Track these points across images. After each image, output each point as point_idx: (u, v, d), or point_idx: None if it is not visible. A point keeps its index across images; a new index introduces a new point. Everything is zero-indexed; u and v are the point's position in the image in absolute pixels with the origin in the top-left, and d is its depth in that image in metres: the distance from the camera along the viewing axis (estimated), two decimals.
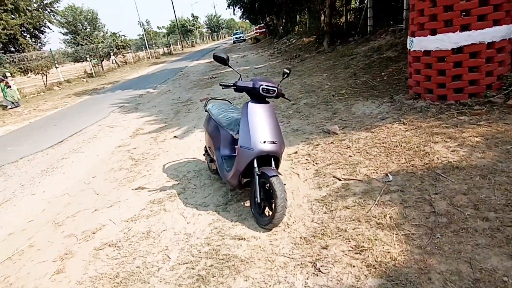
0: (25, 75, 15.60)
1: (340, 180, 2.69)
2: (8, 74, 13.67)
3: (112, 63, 23.61)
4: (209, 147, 3.16)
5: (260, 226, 2.33)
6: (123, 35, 25.34)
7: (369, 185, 2.51)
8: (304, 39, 14.84)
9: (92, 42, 22.41)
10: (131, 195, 3.40)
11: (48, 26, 17.64)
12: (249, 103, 2.43)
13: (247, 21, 39.27)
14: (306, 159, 3.30)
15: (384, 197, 2.31)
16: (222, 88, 2.47)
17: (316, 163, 3.16)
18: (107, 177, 4.00)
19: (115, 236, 2.66)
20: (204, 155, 3.52)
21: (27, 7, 15.73)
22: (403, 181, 2.43)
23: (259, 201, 2.29)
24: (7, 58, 14.32)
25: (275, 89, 2.41)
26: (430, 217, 2.00)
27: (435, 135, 3.00)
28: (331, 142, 3.54)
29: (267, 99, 2.48)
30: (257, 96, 2.42)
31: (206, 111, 3.20)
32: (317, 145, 3.58)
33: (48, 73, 16.95)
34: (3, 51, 15.41)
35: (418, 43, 3.71)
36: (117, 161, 4.51)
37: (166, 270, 2.12)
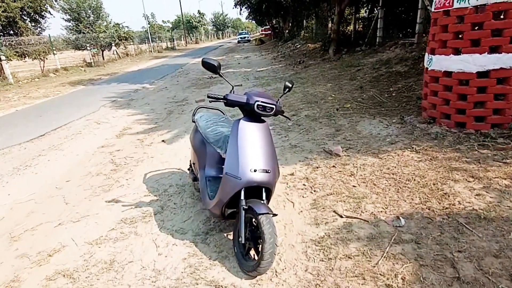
0: (21, 59, 15.09)
1: (341, 217, 2.30)
2: (3, 58, 13.22)
3: (113, 54, 23.14)
4: (194, 164, 2.75)
5: (243, 271, 1.93)
6: (127, 27, 24.86)
7: (376, 229, 2.12)
8: (310, 45, 14.48)
9: (94, 31, 21.86)
10: (103, 208, 2.98)
11: (49, 11, 17.10)
12: (241, 121, 2.03)
13: (254, 22, 38.97)
14: (304, 184, 2.90)
15: (394, 248, 1.91)
16: (210, 101, 2.07)
17: (314, 191, 2.76)
18: (82, 183, 3.59)
19: (73, 263, 2.24)
20: (188, 169, 3.11)
21: None
22: (418, 229, 2.03)
23: (243, 241, 1.89)
24: (4, 41, 13.81)
25: (273, 106, 2.02)
26: (454, 284, 1.61)
27: (454, 171, 2.61)
28: (333, 166, 3.14)
29: (262, 117, 2.08)
30: (251, 113, 2.02)
31: (193, 121, 2.80)
32: (317, 167, 3.18)
33: (46, 59, 16.47)
34: (1, 34, 14.91)
35: (438, 62, 3.34)
36: (96, 164, 4.10)
37: None
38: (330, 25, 13.20)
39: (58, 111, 7.59)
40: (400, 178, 2.66)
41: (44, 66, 16.29)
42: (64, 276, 2.12)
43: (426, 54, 3.66)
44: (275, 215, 2.36)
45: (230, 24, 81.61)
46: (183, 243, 2.32)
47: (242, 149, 1.94)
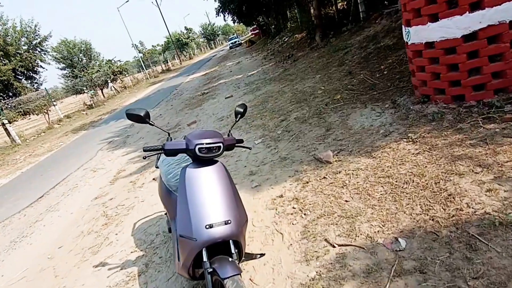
0: (25, 118, 15.51)
1: (334, 247, 1.97)
2: (5, 121, 13.60)
3: (111, 90, 23.51)
4: (166, 214, 2.50)
5: None
6: (119, 60, 25.26)
7: (373, 257, 1.78)
8: (297, 35, 14.04)
9: (89, 73, 22.27)
10: (90, 275, 2.78)
11: (41, 66, 17.51)
12: (187, 169, 1.75)
13: (242, 23, 38.69)
14: (293, 207, 2.58)
15: (396, 283, 1.57)
16: (144, 158, 1.79)
17: (305, 214, 2.44)
18: (73, 247, 3.42)
19: None
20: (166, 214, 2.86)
21: (17, 51, 15.64)
22: (422, 251, 1.67)
23: None
24: (4, 105, 14.21)
25: (220, 145, 1.72)
26: None
27: (458, 161, 2.21)
28: (324, 177, 2.80)
29: (215, 158, 1.79)
30: (197, 157, 1.74)
31: (156, 167, 2.54)
32: (307, 182, 2.85)
33: (50, 111, 16.87)
34: (1, 98, 15.39)
35: (416, 34, 2.93)
36: (89, 221, 3.94)
37: None
38: (312, 11, 12.72)
39: (58, 165, 7.59)
40: (397, 182, 2.29)
41: (49, 119, 16.70)
42: None
43: (403, 27, 3.25)
44: (262, 255, 2.08)
45: (220, 32, 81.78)
46: None
47: (192, 202, 1.66)
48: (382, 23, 7.53)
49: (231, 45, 37.25)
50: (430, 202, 1.96)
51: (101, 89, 22.59)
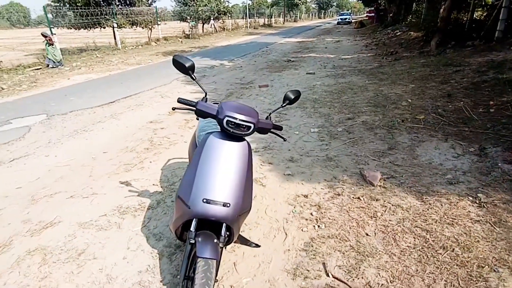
0: (131, 28, 17.02)
1: (327, 275, 1.78)
2: (115, 25, 15.09)
3: (210, 27, 24.28)
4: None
5: None
6: (227, 1, 25.58)
7: None
8: (412, 33, 12.44)
9: (197, 4, 23.13)
10: (113, 189, 3.04)
11: None
12: (210, 136, 1.66)
13: (361, 1, 35.72)
14: (311, 214, 2.39)
15: None
16: (173, 109, 1.74)
17: (318, 226, 2.24)
18: (114, 157, 3.76)
19: (55, 241, 2.31)
20: None
21: None
22: None
23: (181, 279, 1.59)
24: (118, 10, 15.69)
25: (250, 125, 1.58)
26: None
27: None
28: (358, 198, 2.51)
29: (243, 136, 1.66)
30: (224, 128, 1.63)
31: (197, 118, 2.51)
32: (338, 194, 2.60)
33: (154, 28, 18.26)
34: (119, 3, 16.97)
35: None
36: (136, 140, 4.26)
37: None
38: (441, 11, 11.03)
39: (138, 79, 8.27)
40: (433, 242, 1.92)
41: (150, 35, 18.12)
42: (39, 254, 2.19)
43: None
44: (257, 246, 2.00)
45: (335, 3, 77.12)
46: (150, 251, 2.15)
47: (201, 171, 1.59)
48: None
49: (339, 20, 35.01)
50: (459, 284, 1.61)
51: (202, 24, 23.46)
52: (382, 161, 3.13)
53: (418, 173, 2.80)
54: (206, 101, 1.76)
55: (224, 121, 1.57)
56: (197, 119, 2.52)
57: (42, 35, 10.75)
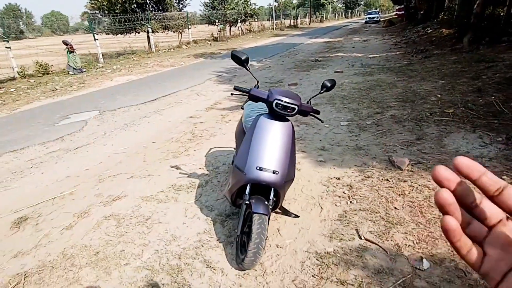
0: (164, 32, 17.95)
1: (360, 238, 2.07)
2: (150, 30, 16.00)
3: (238, 29, 24.89)
4: (235, 149, 2.89)
5: (236, 262, 2.00)
6: (254, 4, 26.11)
7: (391, 263, 1.83)
8: (444, 30, 12.22)
9: (225, 7, 23.86)
10: (165, 171, 3.48)
11: None
12: (261, 117, 2.02)
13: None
14: (343, 192, 2.68)
15: None
16: (231, 94, 2.12)
17: (350, 202, 2.53)
18: (162, 146, 4.22)
19: (124, 210, 2.76)
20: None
21: None
22: (441, 280, 1.66)
23: (238, 233, 1.95)
24: (153, 16, 16.61)
25: (295, 107, 1.92)
26: None
27: None
28: (387, 179, 2.77)
29: (287, 117, 2.00)
30: (272, 110, 1.98)
31: (242, 108, 2.89)
32: (369, 177, 2.86)
33: (184, 32, 19.13)
34: (153, 9, 17.95)
35: None
36: (179, 132, 4.72)
37: (131, 268, 2.06)
38: (475, 6, 10.80)
39: (174, 80, 8.86)
40: None
41: (181, 39, 19.00)
42: (114, 219, 2.64)
43: None
44: (296, 216, 2.33)
45: (362, 2, 75.68)
46: (205, 219, 2.54)
47: (255, 145, 1.95)
48: None
49: (367, 19, 34.47)
50: None
51: (230, 26, 24.15)
52: (410, 149, 3.35)
53: (445, 159, 3.01)
54: (257, 88, 2.11)
55: (274, 103, 1.91)
56: (242, 108, 2.90)
57: (63, 42, 10.97)
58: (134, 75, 10.15)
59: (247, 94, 2.05)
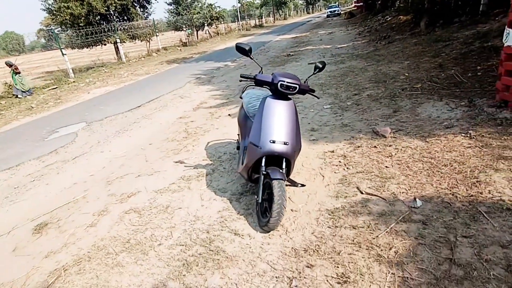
0: (132, 41, 17.76)
1: (362, 193, 2.42)
2: (118, 40, 15.80)
3: (205, 33, 25.00)
4: (239, 135, 3.16)
5: (259, 226, 2.28)
6: (219, 7, 26.33)
7: (390, 207, 2.19)
8: (401, 17, 13.08)
9: (190, 12, 23.92)
10: (170, 167, 3.68)
11: None
12: (267, 98, 2.31)
13: None
14: (339, 161, 3.03)
15: (400, 225, 1.99)
16: (240, 81, 2.39)
17: (347, 168, 2.88)
18: (160, 146, 4.40)
19: (142, 204, 2.95)
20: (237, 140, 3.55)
21: None
22: (432, 211, 2.03)
23: (259, 200, 2.23)
24: (119, 26, 16.41)
25: (296, 86, 2.23)
26: (444, 264, 1.65)
27: (501, 160, 2.38)
28: (374, 146, 3.16)
29: (289, 96, 2.31)
30: (277, 91, 2.28)
31: (240, 97, 3.17)
32: (358, 146, 3.24)
33: (152, 40, 19.00)
34: (117, 20, 17.71)
35: None
36: (173, 132, 4.91)
37: (165, 247, 2.28)
38: None
39: (154, 86, 8.94)
40: (437, 163, 2.56)
41: (149, 47, 18.86)
42: (135, 212, 2.83)
43: (506, 28, 3.17)
44: (303, 185, 2.64)
45: None
46: (221, 199, 2.79)
47: (265, 122, 2.24)
48: (503, 21, 6.79)
49: (329, 13, 35.73)
50: (457, 183, 2.24)
51: (197, 30, 24.23)
52: (389, 121, 3.77)
53: (421, 124, 3.44)
54: (262, 73, 2.40)
55: (279, 84, 2.21)
56: (241, 97, 3.18)
57: (7, 64, 9.95)
58: (111, 86, 10.09)
59: (253, 80, 2.33)
